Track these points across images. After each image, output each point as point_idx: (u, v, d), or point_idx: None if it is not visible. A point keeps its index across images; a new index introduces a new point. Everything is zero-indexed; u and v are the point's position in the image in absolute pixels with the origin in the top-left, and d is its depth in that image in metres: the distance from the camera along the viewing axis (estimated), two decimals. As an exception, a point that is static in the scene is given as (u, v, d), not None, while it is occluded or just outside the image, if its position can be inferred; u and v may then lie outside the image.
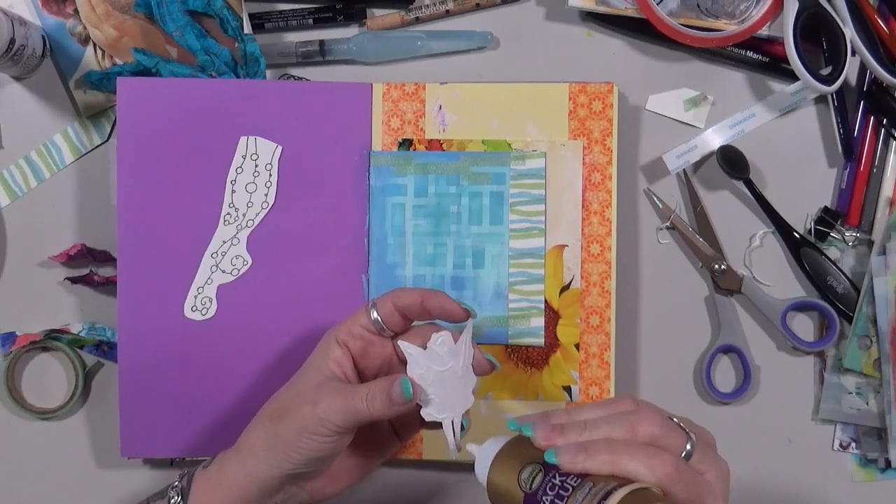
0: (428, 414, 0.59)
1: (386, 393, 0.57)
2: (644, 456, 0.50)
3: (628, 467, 0.49)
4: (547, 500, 0.50)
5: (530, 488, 0.51)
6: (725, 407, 0.76)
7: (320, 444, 0.58)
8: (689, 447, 0.52)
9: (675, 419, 0.53)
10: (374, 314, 0.62)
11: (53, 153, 0.77)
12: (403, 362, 0.60)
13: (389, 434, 0.65)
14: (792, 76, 0.73)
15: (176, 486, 0.62)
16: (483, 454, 0.55)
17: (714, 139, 0.76)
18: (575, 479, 0.50)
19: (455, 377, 0.59)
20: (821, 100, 0.76)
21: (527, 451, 0.53)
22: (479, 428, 0.62)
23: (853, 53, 0.73)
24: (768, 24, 0.73)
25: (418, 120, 0.74)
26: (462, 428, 0.60)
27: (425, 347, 0.59)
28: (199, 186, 0.73)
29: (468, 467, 0.76)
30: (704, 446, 0.53)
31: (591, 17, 0.77)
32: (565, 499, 0.49)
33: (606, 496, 0.47)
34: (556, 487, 0.50)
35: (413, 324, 0.63)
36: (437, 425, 0.59)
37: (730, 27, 0.74)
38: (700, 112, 0.76)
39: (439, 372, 0.59)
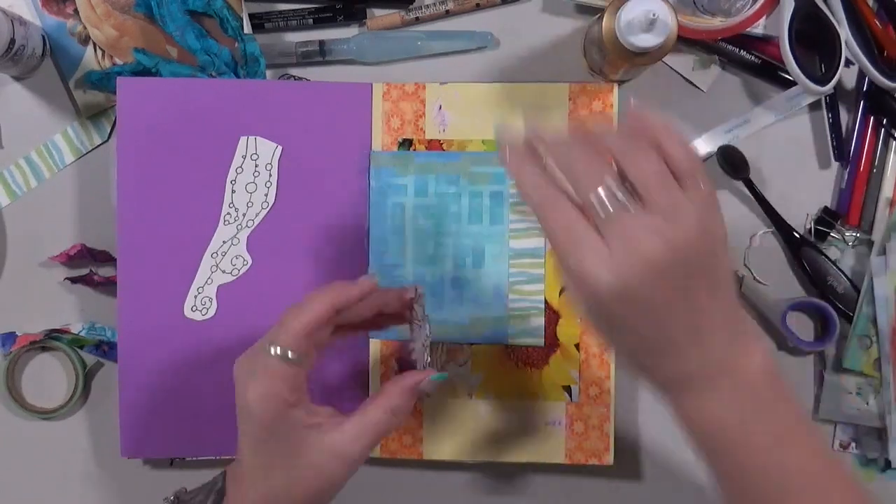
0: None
1: (411, 398, 0.58)
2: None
3: None
4: None
5: None
6: (725, 407, 0.76)
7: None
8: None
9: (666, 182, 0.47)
10: (289, 353, 0.56)
11: (53, 153, 0.77)
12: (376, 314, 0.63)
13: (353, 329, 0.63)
14: (789, 83, 0.73)
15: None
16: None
17: (711, 143, 0.76)
18: None
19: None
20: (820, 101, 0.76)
21: None
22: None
23: (848, 59, 0.73)
24: (763, 17, 0.73)
25: (418, 120, 0.74)
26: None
27: (412, 309, 0.62)
28: (199, 186, 0.73)
29: (469, 467, 0.76)
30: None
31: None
32: None
33: None
34: None
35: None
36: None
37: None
38: (706, 75, 0.75)
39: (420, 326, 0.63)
